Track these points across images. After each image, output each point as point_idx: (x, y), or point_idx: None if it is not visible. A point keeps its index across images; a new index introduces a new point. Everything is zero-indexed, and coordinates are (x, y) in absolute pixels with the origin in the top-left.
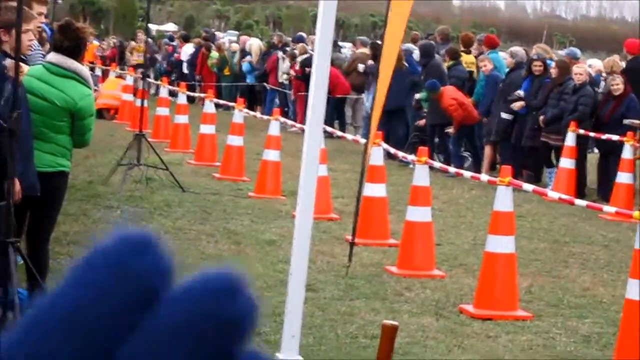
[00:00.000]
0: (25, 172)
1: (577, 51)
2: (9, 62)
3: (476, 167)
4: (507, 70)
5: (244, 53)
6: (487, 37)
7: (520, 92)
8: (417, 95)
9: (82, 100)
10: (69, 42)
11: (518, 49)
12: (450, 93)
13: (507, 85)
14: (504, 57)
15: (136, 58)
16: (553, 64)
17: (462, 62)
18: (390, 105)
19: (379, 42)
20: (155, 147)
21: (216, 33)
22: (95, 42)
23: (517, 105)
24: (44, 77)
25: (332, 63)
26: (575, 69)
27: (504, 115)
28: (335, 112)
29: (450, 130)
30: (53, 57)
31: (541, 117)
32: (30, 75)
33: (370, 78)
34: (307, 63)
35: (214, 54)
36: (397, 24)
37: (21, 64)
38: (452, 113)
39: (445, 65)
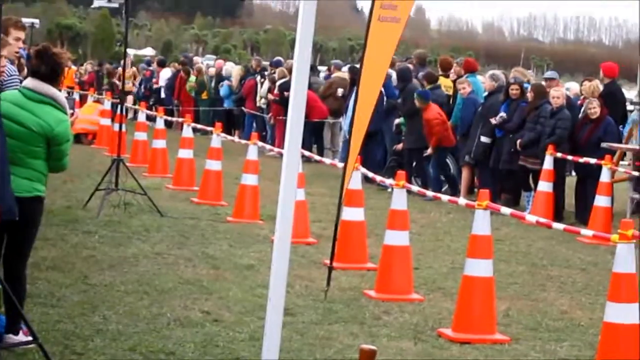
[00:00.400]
0: (2, 197)
1: (555, 74)
2: None
3: (453, 191)
4: (485, 93)
5: (220, 77)
6: (466, 61)
7: (503, 115)
8: (397, 120)
9: (58, 126)
10: (45, 67)
11: (498, 73)
12: (436, 108)
13: (487, 109)
14: (482, 81)
15: (129, 85)
16: (529, 88)
17: (440, 85)
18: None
19: (356, 66)
20: (134, 171)
21: (194, 57)
22: (73, 67)
23: (497, 121)
24: (20, 102)
25: (310, 87)
26: (553, 92)
27: (483, 139)
28: (313, 136)
29: (429, 150)
30: (29, 82)
31: (518, 141)
32: (6, 100)
33: (348, 102)
34: (286, 87)
35: (192, 78)
36: (381, 47)
37: None
38: (434, 127)
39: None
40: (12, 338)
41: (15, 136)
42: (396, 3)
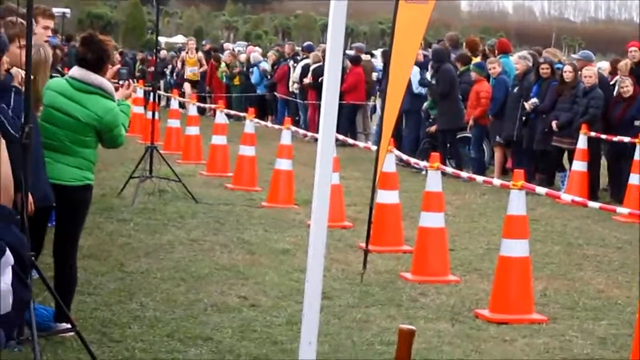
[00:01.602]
0: (36, 183)
1: (591, 54)
2: (14, 71)
3: (480, 170)
4: (515, 74)
5: (250, 64)
6: (500, 42)
7: (535, 101)
8: (425, 105)
9: (107, 114)
10: (92, 55)
11: (526, 53)
12: (487, 84)
13: (526, 90)
14: (515, 62)
15: (189, 72)
16: (569, 67)
17: (470, 68)
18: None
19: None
20: (167, 159)
21: (225, 44)
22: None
23: (529, 107)
24: (67, 92)
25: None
26: (585, 71)
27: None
28: (347, 120)
29: (470, 122)
30: (76, 71)
31: (554, 122)
32: (53, 90)
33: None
34: (320, 71)
35: (223, 64)
36: (410, 29)
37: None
38: (481, 100)
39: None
40: (56, 326)
41: (64, 126)
42: None
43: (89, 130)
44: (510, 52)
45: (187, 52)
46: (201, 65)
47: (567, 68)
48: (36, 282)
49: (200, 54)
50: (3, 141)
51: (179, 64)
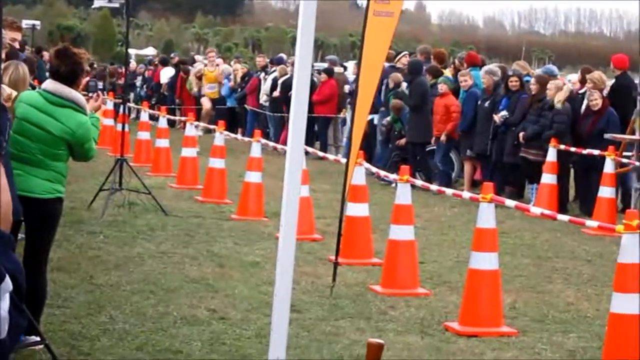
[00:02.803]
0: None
1: (554, 68)
2: None
3: (448, 183)
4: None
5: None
6: (468, 55)
7: (505, 113)
8: (387, 119)
9: (79, 128)
10: (65, 68)
11: (494, 67)
12: (454, 99)
13: (497, 103)
14: (481, 76)
15: (208, 90)
16: (533, 80)
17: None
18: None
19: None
20: (137, 171)
21: (195, 56)
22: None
23: (499, 121)
24: (39, 105)
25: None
26: (550, 85)
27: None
28: (324, 129)
29: (442, 137)
30: (50, 84)
31: (521, 134)
32: (26, 103)
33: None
34: (289, 84)
35: (192, 77)
36: (377, 42)
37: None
38: (452, 114)
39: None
40: (25, 339)
41: (37, 139)
42: None
43: (61, 144)
44: (479, 65)
45: (206, 65)
46: (221, 83)
47: (532, 81)
48: None
49: (222, 67)
50: (2, 169)
51: (194, 78)
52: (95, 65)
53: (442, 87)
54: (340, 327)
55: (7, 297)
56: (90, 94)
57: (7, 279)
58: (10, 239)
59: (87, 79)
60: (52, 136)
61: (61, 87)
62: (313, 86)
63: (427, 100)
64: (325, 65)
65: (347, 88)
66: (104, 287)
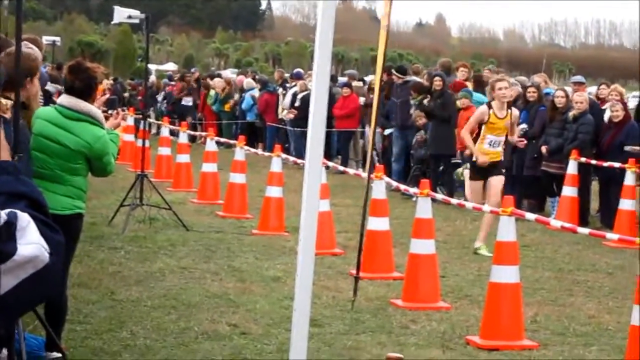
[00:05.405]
0: None
1: (582, 78)
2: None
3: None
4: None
5: (243, 90)
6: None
7: (524, 126)
8: (388, 131)
9: (96, 142)
10: (80, 83)
11: (513, 80)
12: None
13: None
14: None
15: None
16: (560, 93)
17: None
18: None
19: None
20: (158, 186)
21: (218, 72)
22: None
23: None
24: (57, 120)
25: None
26: (576, 97)
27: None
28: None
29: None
30: (65, 99)
31: (544, 147)
32: (43, 119)
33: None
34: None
35: (212, 92)
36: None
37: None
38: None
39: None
40: (47, 355)
41: (54, 154)
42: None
43: (79, 158)
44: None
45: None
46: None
47: (559, 93)
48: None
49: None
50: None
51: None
52: (119, 79)
53: (463, 102)
54: (361, 341)
55: (30, 228)
56: (111, 111)
57: (20, 215)
58: (15, 166)
59: (107, 95)
60: (69, 150)
61: (76, 102)
62: (332, 100)
63: (455, 113)
64: (345, 79)
65: (361, 100)
66: (125, 303)
